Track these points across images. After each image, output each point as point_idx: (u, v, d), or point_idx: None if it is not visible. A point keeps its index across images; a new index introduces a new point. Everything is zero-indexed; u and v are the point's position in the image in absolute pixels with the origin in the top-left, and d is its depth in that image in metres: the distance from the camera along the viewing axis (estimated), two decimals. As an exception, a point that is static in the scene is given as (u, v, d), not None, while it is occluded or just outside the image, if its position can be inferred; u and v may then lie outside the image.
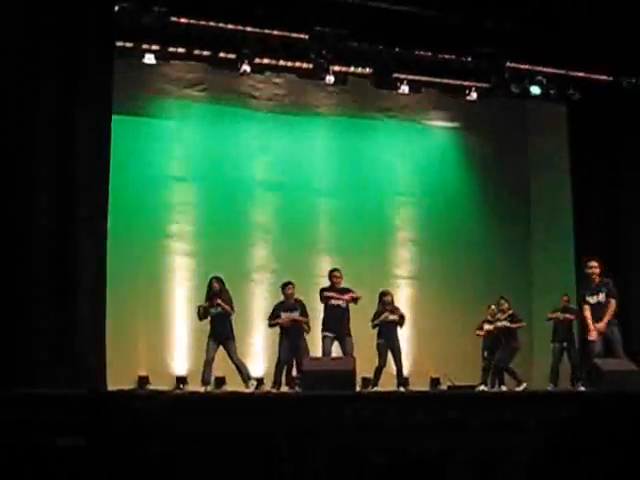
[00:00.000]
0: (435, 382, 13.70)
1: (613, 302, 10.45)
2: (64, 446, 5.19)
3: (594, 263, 10.74)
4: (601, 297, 10.51)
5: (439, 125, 14.97)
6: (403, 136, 14.67)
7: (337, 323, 11.21)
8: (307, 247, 13.69)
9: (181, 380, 12.42)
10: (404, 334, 12.37)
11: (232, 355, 11.08)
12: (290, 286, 11.48)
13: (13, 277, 9.47)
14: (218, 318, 11.13)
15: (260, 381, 12.05)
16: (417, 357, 13.87)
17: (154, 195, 13.05)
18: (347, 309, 11.32)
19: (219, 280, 11.28)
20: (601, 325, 10.33)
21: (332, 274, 11.45)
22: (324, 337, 11.19)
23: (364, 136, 14.32)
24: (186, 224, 13.24)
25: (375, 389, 11.55)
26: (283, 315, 11.37)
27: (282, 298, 11.54)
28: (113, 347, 10.15)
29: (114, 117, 10.07)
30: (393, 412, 6.82)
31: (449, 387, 12.77)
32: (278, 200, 13.69)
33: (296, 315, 11.33)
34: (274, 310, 11.52)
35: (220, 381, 12.12)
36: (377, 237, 14.20)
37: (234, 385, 11.51)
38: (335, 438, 6.02)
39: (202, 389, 10.84)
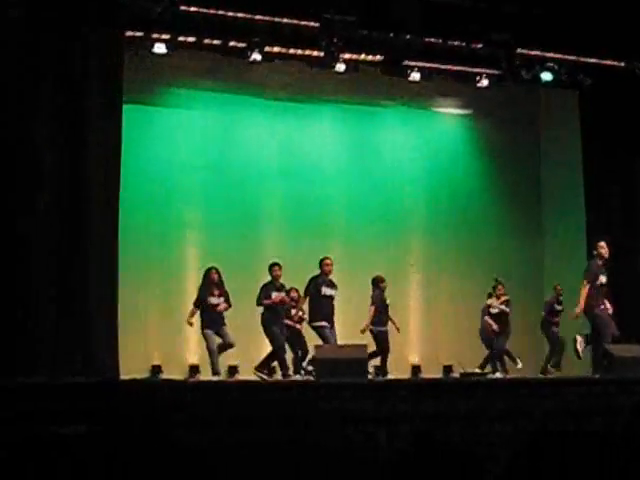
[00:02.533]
0: (448, 370, 13.70)
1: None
2: (77, 434, 5.22)
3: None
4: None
5: (450, 112, 14.91)
6: (414, 123, 14.64)
7: (330, 313, 11.38)
8: (317, 235, 13.63)
9: (194, 369, 12.42)
10: (415, 322, 12.39)
11: (231, 340, 11.13)
12: (277, 267, 11.45)
13: (28, 270, 9.55)
14: (215, 308, 11.16)
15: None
16: (429, 345, 13.89)
17: (164, 185, 13.05)
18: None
19: (217, 271, 11.32)
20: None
21: (323, 262, 11.53)
22: (322, 327, 11.22)
23: (375, 124, 14.29)
24: (197, 213, 13.24)
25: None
26: (274, 295, 11.31)
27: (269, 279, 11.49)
28: (125, 337, 10.19)
29: (125, 107, 10.07)
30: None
31: (461, 374, 12.77)
32: (288, 188, 13.68)
33: (284, 295, 11.35)
34: (264, 290, 11.34)
35: (233, 370, 12.15)
36: (387, 224, 14.15)
37: (245, 374, 11.56)
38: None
39: (215, 379, 10.85)
